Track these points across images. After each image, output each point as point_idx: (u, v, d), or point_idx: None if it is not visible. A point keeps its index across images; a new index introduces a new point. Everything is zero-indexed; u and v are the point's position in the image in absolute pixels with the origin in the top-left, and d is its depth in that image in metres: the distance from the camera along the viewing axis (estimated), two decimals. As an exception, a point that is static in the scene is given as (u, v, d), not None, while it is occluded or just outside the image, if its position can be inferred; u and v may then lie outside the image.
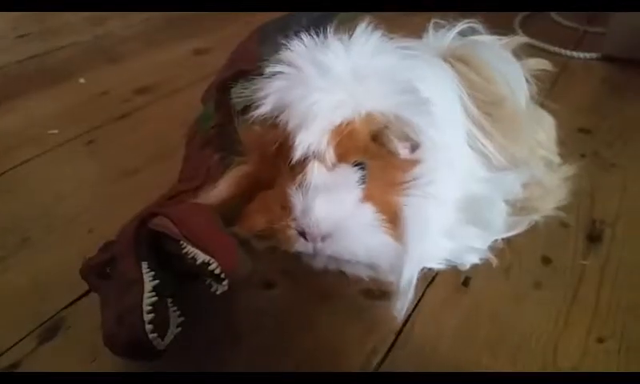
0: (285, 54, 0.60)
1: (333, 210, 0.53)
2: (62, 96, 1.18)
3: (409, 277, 0.57)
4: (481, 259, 0.69)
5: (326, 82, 0.55)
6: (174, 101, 1.16)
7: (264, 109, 0.58)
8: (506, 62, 0.79)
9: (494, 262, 0.69)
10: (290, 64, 0.59)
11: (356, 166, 0.56)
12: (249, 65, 0.72)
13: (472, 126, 0.68)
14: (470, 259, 0.69)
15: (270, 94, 0.58)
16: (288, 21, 0.99)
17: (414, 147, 0.57)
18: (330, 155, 0.54)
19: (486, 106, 0.70)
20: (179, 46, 1.42)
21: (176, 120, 0.99)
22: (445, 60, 0.72)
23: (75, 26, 1.54)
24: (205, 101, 0.89)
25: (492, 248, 0.70)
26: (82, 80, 1.25)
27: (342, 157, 0.55)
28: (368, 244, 0.55)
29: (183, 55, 1.38)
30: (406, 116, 0.55)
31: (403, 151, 0.57)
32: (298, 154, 0.54)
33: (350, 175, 0.55)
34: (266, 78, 0.60)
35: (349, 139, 0.55)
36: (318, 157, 0.54)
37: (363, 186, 0.55)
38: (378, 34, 0.63)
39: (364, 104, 0.55)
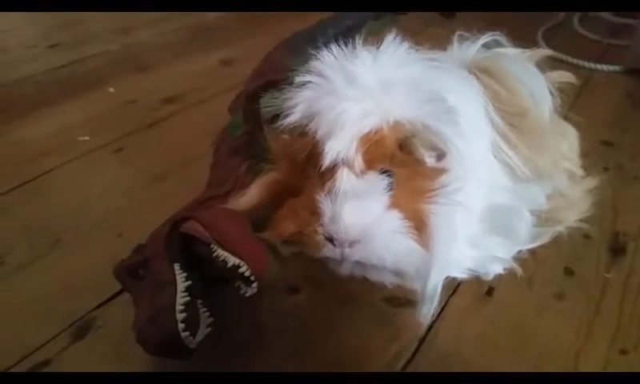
0: (314, 64, 0.62)
1: (361, 217, 0.54)
2: (91, 104, 1.21)
3: (435, 283, 0.57)
4: (505, 269, 0.70)
5: (355, 91, 0.56)
6: (201, 110, 1.18)
7: (293, 117, 0.59)
8: (530, 74, 0.79)
9: (519, 271, 0.70)
10: (319, 74, 0.60)
11: (383, 173, 0.57)
12: (277, 75, 0.73)
13: (497, 137, 0.69)
14: (494, 269, 0.70)
15: (300, 103, 0.59)
16: (314, 32, 1.01)
17: (441, 156, 0.58)
18: (359, 162, 0.55)
19: (511, 117, 0.71)
20: (206, 56, 1.44)
21: (203, 129, 1.01)
22: (469, 71, 0.73)
23: (104, 35, 1.58)
24: (233, 111, 0.90)
25: (516, 259, 0.71)
26: (111, 89, 1.27)
27: (369, 164, 0.56)
28: (395, 250, 0.56)
29: (210, 66, 1.40)
30: (432, 125, 0.56)
31: (429, 159, 0.58)
32: (327, 161, 0.55)
33: (377, 182, 0.56)
34: (296, 87, 0.61)
35: (376, 147, 0.56)
36: (347, 164, 0.55)
37: (390, 192, 0.56)
38: (404, 45, 0.64)
39: (392, 113, 0.56)
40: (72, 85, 1.30)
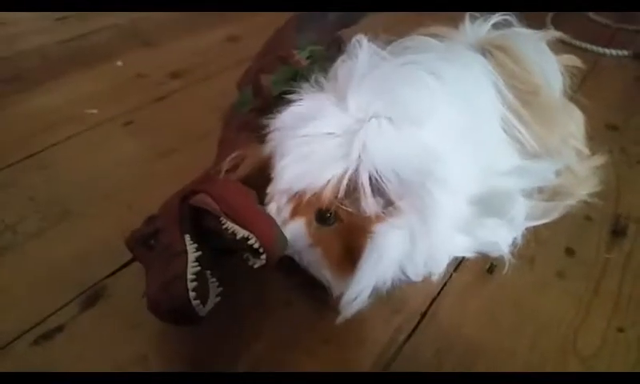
0: (295, 100, 0.63)
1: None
2: (99, 77, 1.22)
3: (349, 300, 0.60)
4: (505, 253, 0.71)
5: (314, 142, 0.58)
6: (208, 86, 1.19)
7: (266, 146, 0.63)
8: (542, 53, 0.80)
9: (511, 260, 0.70)
10: (291, 114, 0.62)
11: (324, 213, 0.60)
12: (287, 51, 0.74)
13: (508, 113, 0.69)
14: (494, 253, 0.71)
15: (275, 130, 0.63)
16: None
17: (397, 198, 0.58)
18: (285, 213, 0.61)
19: (524, 94, 0.72)
20: (212, 32, 1.44)
21: (211, 104, 1.02)
22: (483, 48, 0.73)
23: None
24: (241, 86, 0.91)
25: (516, 240, 0.72)
26: (119, 63, 1.28)
27: (298, 214, 0.60)
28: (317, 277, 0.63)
29: (216, 41, 1.40)
30: (386, 176, 0.56)
31: (373, 208, 0.58)
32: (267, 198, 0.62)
33: (296, 230, 0.61)
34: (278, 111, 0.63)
35: (306, 204, 0.59)
36: (276, 211, 0.61)
37: (320, 230, 0.60)
38: (399, 59, 0.65)
39: (337, 169, 0.57)
40: (80, 58, 1.31)
